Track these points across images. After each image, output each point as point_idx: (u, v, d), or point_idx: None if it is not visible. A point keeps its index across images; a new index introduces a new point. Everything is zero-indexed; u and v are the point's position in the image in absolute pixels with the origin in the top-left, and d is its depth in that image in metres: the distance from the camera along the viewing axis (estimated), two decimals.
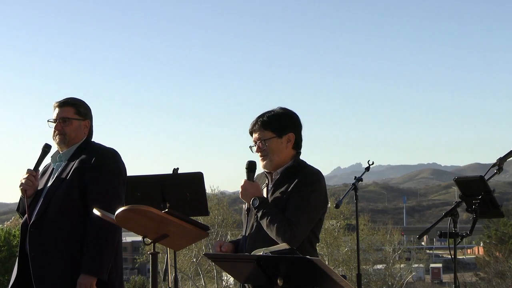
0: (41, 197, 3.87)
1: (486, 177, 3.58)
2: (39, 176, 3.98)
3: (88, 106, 4.10)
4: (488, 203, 3.56)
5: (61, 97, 4.07)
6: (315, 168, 3.56)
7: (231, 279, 29.70)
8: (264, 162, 3.56)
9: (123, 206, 3.08)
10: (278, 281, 2.87)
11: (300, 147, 3.63)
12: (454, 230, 3.63)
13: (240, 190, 3.55)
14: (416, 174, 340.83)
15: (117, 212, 3.06)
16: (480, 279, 39.66)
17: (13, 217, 38.45)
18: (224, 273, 29.21)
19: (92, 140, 4.09)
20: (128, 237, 51.66)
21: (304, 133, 3.63)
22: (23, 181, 3.89)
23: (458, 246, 3.68)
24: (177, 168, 4.87)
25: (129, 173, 4.08)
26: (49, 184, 3.91)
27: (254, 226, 3.50)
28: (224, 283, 32.83)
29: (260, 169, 3.61)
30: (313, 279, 2.89)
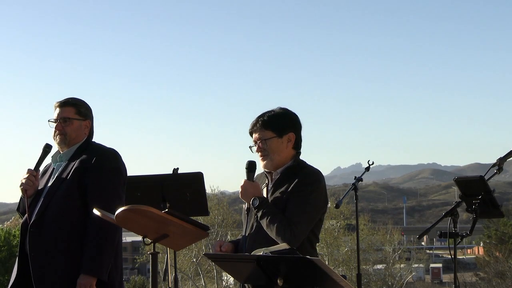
0: (42, 197, 3.87)
1: (486, 177, 3.58)
2: (39, 176, 3.98)
3: (89, 106, 4.09)
4: (488, 203, 3.56)
5: (62, 97, 4.07)
6: (315, 168, 3.56)
7: (231, 279, 29.68)
8: (265, 162, 3.56)
9: (123, 206, 3.08)
10: (278, 281, 2.86)
11: (300, 147, 3.64)
12: (454, 230, 3.63)
13: (240, 190, 3.55)
14: (416, 174, 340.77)
15: (117, 212, 3.06)
16: (480, 279, 39.67)
17: (13, 217, 38.46)
18: (224, 273, 29.20)
19: (93, 140, 4.09)
20: (128, 237, 51.63)
21: (304, 133, 3.64)
22: (24, 181, 3.89)
23: (458, 246, 3.68)
24: (177, 168, 4.87)
25: (129, 173, 4.08)
26: (49, 184, 3.91)
27: (254, 226, 3.50)
28: (224, 283, 32.82)
29: (260, 169, 3.62)
30: (313, 279, 2.89)
